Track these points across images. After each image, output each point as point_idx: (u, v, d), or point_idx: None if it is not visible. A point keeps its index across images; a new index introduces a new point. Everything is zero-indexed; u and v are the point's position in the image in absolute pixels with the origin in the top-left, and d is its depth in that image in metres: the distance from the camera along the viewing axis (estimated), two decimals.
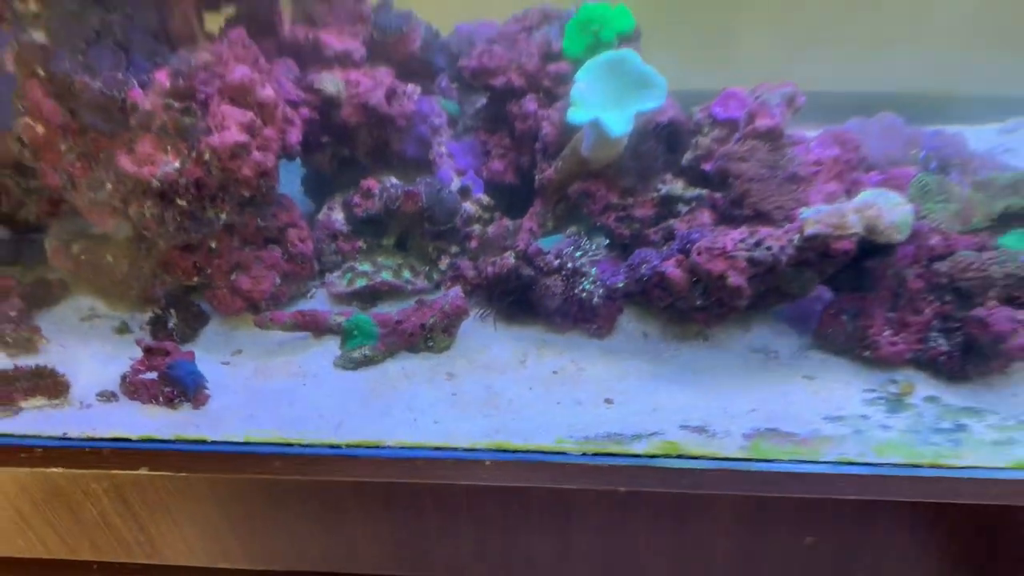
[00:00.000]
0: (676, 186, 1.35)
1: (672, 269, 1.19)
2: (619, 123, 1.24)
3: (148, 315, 1.39)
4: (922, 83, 1.64)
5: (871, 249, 1.19)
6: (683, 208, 1.32)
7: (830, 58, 1.68)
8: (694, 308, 1.20)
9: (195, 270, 1.35)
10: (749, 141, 1.29)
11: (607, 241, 1.37)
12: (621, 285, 1.27)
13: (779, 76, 1.37)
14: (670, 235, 1.29)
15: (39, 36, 1.20)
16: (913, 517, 1.01)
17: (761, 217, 1.20)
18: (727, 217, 1.26)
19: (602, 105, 1.27)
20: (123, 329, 1.39)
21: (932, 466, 1.04)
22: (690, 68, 1.43)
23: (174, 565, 1.26)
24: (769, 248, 1.12)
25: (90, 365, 1.31)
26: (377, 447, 1.14)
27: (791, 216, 1.18)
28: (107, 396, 1.25)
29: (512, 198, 1.50)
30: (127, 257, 1.36)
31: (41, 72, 1.18)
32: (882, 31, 1.73)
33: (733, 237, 1.15)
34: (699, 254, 1.16)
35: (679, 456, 1.09)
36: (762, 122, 1.27)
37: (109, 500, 1.15)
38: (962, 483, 1.02)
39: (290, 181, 1.52)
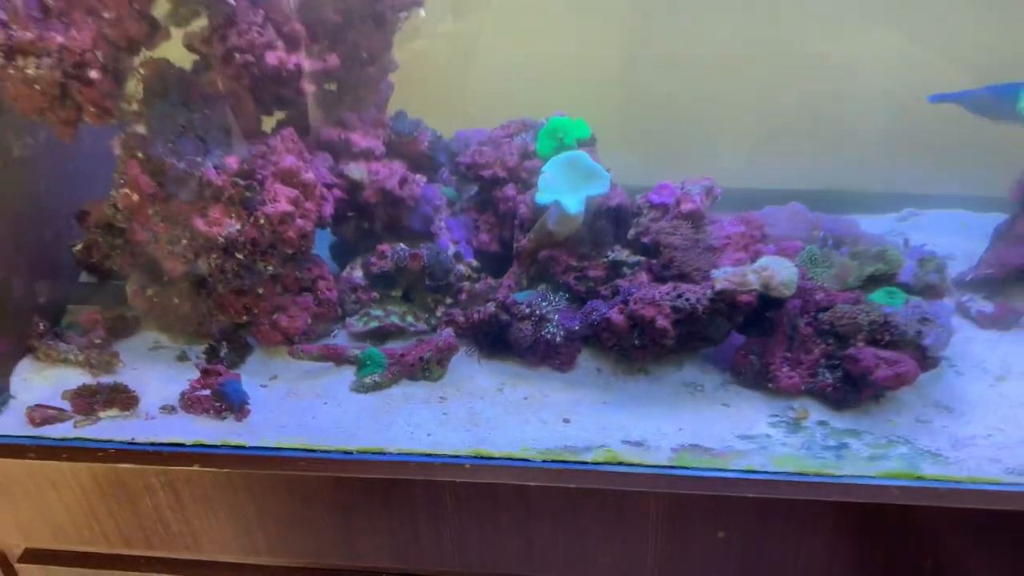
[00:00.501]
0: (622, 254, 1.44)
1: (615, 315, 1.32)
2: (574, 204, 1.37)
3: (204, 346, 1.47)
4: (841, 182, 1.79)
5: (770, 302, 1.32)
6: (627, 271, 1.43)
7: (763, 160, 1.84)
8: (633, 347, 1.33)
9: (245, 310, 1.44)
10: (676, 220, 1.42)
11: (567, 295, 1.45)
12: (577, 328, 1.39)
13: (716, 174, 1.52)
14: (616, 291, 1.40)
15: (139, 128, 1.33)
16: (801, 513, 1.12)
17: (684, 277, 1.35)
18: (659, 277, 1.39)
19: (562, 190, 1.40)
20: (183, 357, 1.48)
21: (817, 474, 1.16)
22: (648, 168, 1.58)
23: (211, 560, 1.35)
24: (688, 299, 1.28)
25: (155, 385, 1.41)
26: (381, 452, 1.24)
27: (707, 277, 1.32)
28: (168, 409, 1.35)
29: (495, 263, 1.59)
30: (190, 299, 1.45)
31: (140, 155, 1.32)
32: (810, 138, 1.88)
33: (661, 291, 1.30)
34: (635, 303, 1.30)
35: (619, 463, 1.20)
36: (686, 206, 1.42)
37: (164, 494, 1.26)
38: (839, 487, 1.14)
39: (322, 247, 1.60)
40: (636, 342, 1.34)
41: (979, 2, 1.71)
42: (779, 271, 1.31)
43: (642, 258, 1.45)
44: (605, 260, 1.45)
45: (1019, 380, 1.34)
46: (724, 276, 1.31)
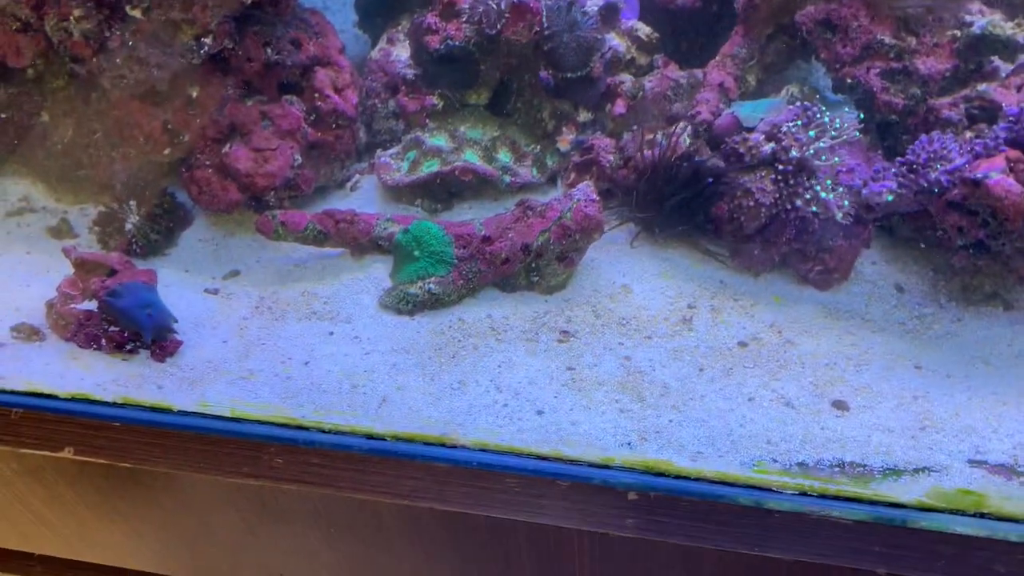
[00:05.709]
0: (994, 18, 0.84)
1: (997, 178, 0.79)
2: None
3: (99, 209, 0.99)
4: None
5: None
6: (1005, 66, 0.82)
7: None
8: (1006, 254, 0.75)
9: (165, 136, 0.95)
10: None
11: (861, 115, 0.89)
12: (889, 199, 0.79)
13: None
14: (985, 112, 0.79)
15: None
16: None
17: None
18: None
19: None
20: (62, 229, 1.07)
21: None
22: None
23: (129, 569, 1.03)
24: None
25: (8, 284, 1.02)
26: (442, 445, 0.84)
27: None
28: (26, 332, 0.96)
29: (688, 30, 1.06)
30: (70, 116, 0.94)
31: None
32: None
33: None
34: None
35: (978, 515, 0.72)
36: None
37: (26, 485, 0.92)
38: None
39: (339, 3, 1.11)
40: (1019, 244, 0.76)
41: None
42: None
43: None
44: (956, 33, 0.90)
45: None
46: None
